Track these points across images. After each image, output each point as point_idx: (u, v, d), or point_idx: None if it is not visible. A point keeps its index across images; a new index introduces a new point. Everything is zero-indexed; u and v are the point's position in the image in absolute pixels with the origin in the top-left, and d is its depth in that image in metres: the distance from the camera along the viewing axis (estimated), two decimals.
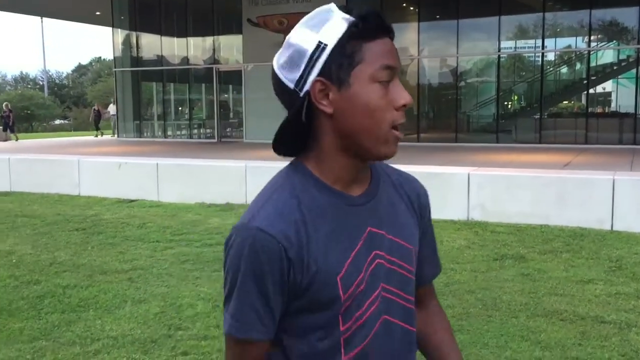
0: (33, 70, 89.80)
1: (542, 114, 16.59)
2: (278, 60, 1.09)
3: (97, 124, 25.69)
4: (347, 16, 1.05)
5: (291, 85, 1.06)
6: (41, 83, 61.52)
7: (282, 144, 1.11)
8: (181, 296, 4.93)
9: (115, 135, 23.36)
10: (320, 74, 1.04)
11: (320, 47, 1.04)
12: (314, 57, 1.04)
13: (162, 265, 5.94)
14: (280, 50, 1.10)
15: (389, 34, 1.07)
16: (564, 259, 6.00)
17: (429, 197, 1.28)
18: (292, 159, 1.14)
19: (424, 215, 1.26)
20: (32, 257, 6.31)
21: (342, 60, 1.04)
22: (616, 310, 4.51)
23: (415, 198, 1.24)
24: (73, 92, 60.86)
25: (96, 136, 24.37)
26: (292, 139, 1.10)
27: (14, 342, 4.04)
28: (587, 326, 4.22)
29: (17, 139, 22.00)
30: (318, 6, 1.11)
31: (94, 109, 26.48)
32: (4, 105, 23.73)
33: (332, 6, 1.09)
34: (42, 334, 4.19)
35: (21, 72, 72.62)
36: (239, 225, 1.06)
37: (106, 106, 27.81)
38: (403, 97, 1.06)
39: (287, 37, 1.11)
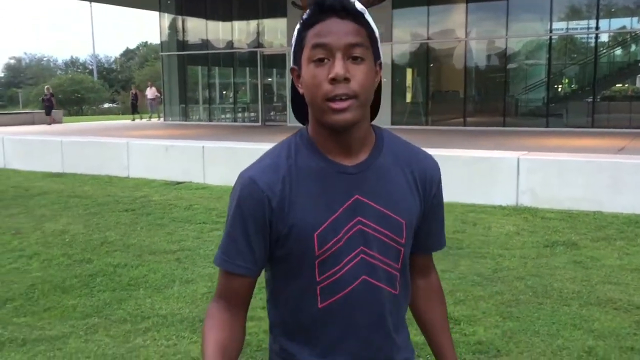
0: (83, 54, 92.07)
1: (595, 97, 16.02)
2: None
3: (134, 107, 25.63)
4: (309, 11, 1.18)
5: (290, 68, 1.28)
6: (90, 67, 63.00)
7: (296, 113, 1.35)
8: None
9: (155, 119, 23.73)
10: (294, 62, 1.24)
11: (293, 41, 1.23)
12: (292, 47, 1.24)
13: (209, 246, 6.01)
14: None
15: (336, 13, 1.16)
16: (618, 246, 5.81)
17: (439, 173, 1.34)
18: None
19: (430, 190, 1.32)
20: (84, 237, 6.48)
21: (297, 48, 1.22)
22: None
23: (422, 175, 1.30)
24: (121, 76, 62.11)
25: (133, 119, 24.48)
26: (297, 110, 1.33)
27: (68, 319, 4.16)
28: None
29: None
30: None
31: (132, 93, 26.38)
32: (45, 88, 23.82)
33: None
34: (95, 311, 4.30)
35: (71, 57, 74.48)
36: (240, 173, 1.25)
37: (144, 90, 28.08)
38: (332, 71, 1.15)
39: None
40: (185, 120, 21.99)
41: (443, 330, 1.44)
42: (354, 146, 1.24)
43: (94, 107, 44.79)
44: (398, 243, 1.27)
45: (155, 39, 66.71)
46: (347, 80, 1.15)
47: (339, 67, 1.14)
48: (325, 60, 1.16)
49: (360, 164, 1.24)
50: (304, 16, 1.19)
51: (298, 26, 1.22)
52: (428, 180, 1.31)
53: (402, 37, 17.73)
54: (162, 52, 22.89)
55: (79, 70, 66.06)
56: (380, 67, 1.26)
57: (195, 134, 14.86)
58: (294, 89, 1.27)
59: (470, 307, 4.25)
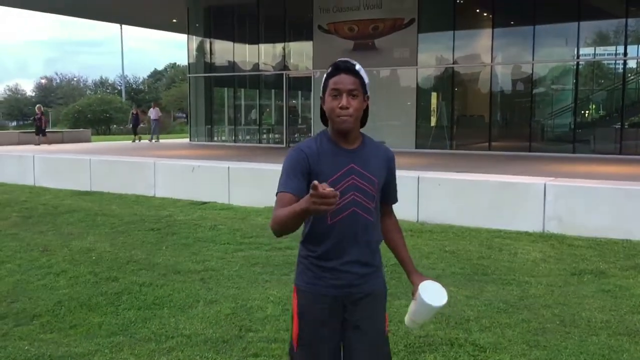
0: (112, 75, 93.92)
1: (623, 123, 15.82)
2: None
3: (135, 128, 24.52)
4: (330, 67, 2.27)
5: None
6: (119, 88, 64.20)
7: (322, 120, 2.34)
8: (251, 298, 4.99)
9: (153, 140, 23.55)
10: (322, 94, 2.29)
11: (323, 85, 2.30)
12: (322, 88, 2.30)
13: (233, 267, 6.04)
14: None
15: (344, 71, 2.24)
16: None
17: (394, 156, 2.43)
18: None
19: (390, 165, 2.39)
20: (110, 255, 6.56)
21: (323, 87, 2.28)
22: None
23: (385, 157, 2.38)
24: (148, 97, 63.13)
25: (133, 141, 23.58)
26: (322, 119, 2.34)
27: (94, 337, 4.20)
28: None
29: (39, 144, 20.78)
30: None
31: (132, 113, 25.18)
32: (36, 108, 22.86)
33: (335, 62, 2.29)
34: (120, 329, 4.34)
35: (101, 77, 75.96)
36: (295, 145, 2.30)
37: (138, 109, 26.73)
38: (341, 103, 2.21)
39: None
40: (211, 141, 22.22)
41: (403, 247, 2.50)
42: (350, 139, 2.29)
43: (122, 127, 45.50)
44: (372, 191, 2.29)
45: (183, 60, 67.84)
46: (347, 108, 2.21)
47: (344, 101, 2.21)
48: (337, 96, 2.22)
49: (353, 149, 2.30)
50: (328, 71, 2.26)
51: (325, 76, 2.27)
52: (389, 160, 2.39)
53: (427, 61, 17.77)
54: (189, 73, 23.26)
55: (108, 91, 67.36)
56: (368, 99, 2.30)
57: (221, 155, 15.00)
58: (321, 107, 2.32)
59: (496, 335, 4.19)
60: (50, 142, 21.02)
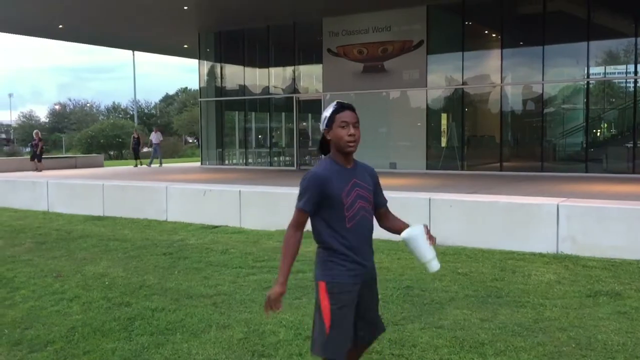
0: (124, 100, 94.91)
1: (635, 142, 15.74)
2: (322, 117, 2.96)
3: (136, 153, 23.94)
4: (335, 106, 2.94)
5: (322, 127, 2.96)
6: (131, 113, 64.86)
7: (321, 150, 3.01)
8: (264, 323, 4.97)
9: (155, 165, 23.28)
10: (326, 126, 2.94)
11: (325, 118, 2.94)
12: (324, 120, 2.94)
13: (245, 291, 6.03)
14: (325, 111, 2.94)
15: (349, 109, 2.93)
16: None
17: (376, 173, 3.12)
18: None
19: (375, 180, 3.08)
20: (123, 280, 6.58)
21: (329, 121, 2.92)
22: None
23: (370, 172, 3.08)
24: (160, 121, 63.70)
25: (135, 165, 23.26)
26: (323, 148, 3.01)
27: None
28: None
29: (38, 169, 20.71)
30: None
31: (134, 137, 24.46)
32: (34, 133, 22.43)
33: (335, 103, 2.96)
34: (133, 355, 4.33)
35: (113, 102, 76.82)
36: (309, 171, 2.90)
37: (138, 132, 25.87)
38: (349, 132, 2.89)
39: (328, 106, 2.98)
40: (222, 164, 22.34)
41: (405, 224, 3.10)
42: (349, 161, 2.97)
43: (144, 150, 45.93)
44: (370, 198, 2.99)
45: (194, 85, 68.49)
46: (354, 135, 2.90)
47: (352, 131, 2.90)
48: (345, 127, 2.89)
49: (352, 167, 2.98)
50: (334, 108, 2.93)
51: (330, 113, 2.92)
52: (373, 174, 3.08)
53: (436, 82, 17.84)
54: (200, 97, 23.50)
55: (120, 116, 68.07)
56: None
57: (232, 178, 15.07)
58: (323, 137, 2.97)
59: (511, 359, 4.15)
60: (41, 169, 20.52)
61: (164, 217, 11.17)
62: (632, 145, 15.63)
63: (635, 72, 15.54)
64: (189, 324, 5.00)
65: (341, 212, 2.84)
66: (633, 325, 4.82)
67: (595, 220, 7.45)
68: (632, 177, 14.20)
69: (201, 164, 23.12)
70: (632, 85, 15.99)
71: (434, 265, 2.98)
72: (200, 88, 23.58)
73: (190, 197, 11.11)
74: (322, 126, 2.93)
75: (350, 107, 2.92)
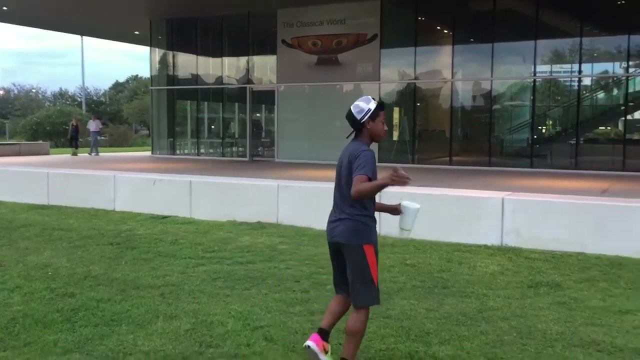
0: (72, 87, 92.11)
1: (578, 139, 16.31)
2: (354, 108, 3.70)
3: (74, 141, 23.23)
4: (376, 103, 3.71)
5: (358, 117, 3.67)
6: (79, 99, 63.04)
7: (355, 136, 3.75)
8: (212, 313, 4.94)
9: (92, 154, 22.68)
10: (369, 118, 3.66)
11: (369, 110, 3.68)
12: (368, 111, 3.67)
13: (194, 282, 5.98)
14: (355, 104, 3.70)
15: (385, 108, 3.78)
16: (601, 288, 5.85)
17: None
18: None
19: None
20: (67, 270, 6.42)
21: (374, 115, 3.68)
22: None
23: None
24: (110, 109, 62.16)
25: (73, 154, 22.58)
26: (356, 135, 3.75)
27: (48, 354, 4.10)
28: (625, 358, 4.09)
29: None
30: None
31: (72, 124, 23.62)
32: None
33: (371, 97, 3.75)
34: (76, 346, 4.24)
35: (60, 89, 74.25)
36: (366, 149, 3.60)
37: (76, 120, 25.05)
38: (385, 129, 3.76)
39: (357, 102, 3.72)
40: (173, 154, 22.01)
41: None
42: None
43: (81, 139, 44.74)
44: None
45: (145, 72, 67.15)
46: (386, 131, 3.81)
47: (386, 127, 3.78)
48: (384, 124, 3.75)
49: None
50: (376, 104, 3.69)
51: (374, 108, 3.66)
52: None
53: (390, 76, 18.03)
54: (152, 86, 23.05)
55: (68, 103, 66.06)
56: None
57: (183, 168, 14.87)
58: (359, 122, 3.68)
59: (455, 347, 4.25)
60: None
61: (111, 206, 10.93)
62: (575, 141, 16.20)
63: (580, 71, 16.08)
64: (135, 314, 4.92)
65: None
66: (571, 315, 5.01)
67: (539, 214, 7.70)
68: (575, 172, 14.72)
69: (152, 153, 22.71)
70: (576, 83, 16.54)
71: (407, 234, 4.01)
72: (151, 76, 23.14)
73: (140, 187, 10.91)
74: (362, 115, 3.64)
75: (383, 105, 3.78)
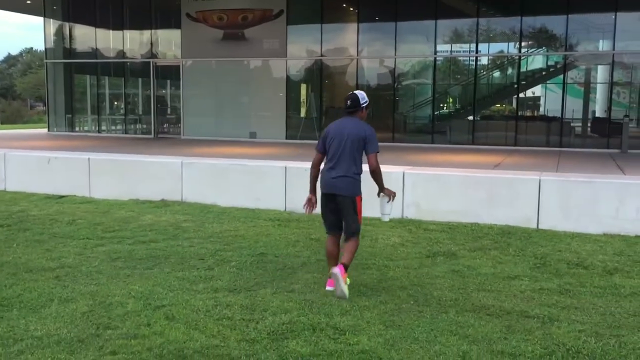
0: None
1: (475, 116, 17.08)
2: (359, 95, 5.09)
3: None
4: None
5: (362, 102, 5.06)
6: None
7: (349, 112, 5.05)
8: (111, 295, 4.80)
9: None
10: (366, 105, 5.12)
11: (367, 101, 5.13)
12: (366, 101, 5.11)
13: (92, 263, 5.77)
14: (360, 94, 5.12)
15: None
16: (492, 256, 6.21)
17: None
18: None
19: None
20: None
21: (368, 105, 5.15)
22: (540, 305, 4.70)
23: None
24: (2, 84, 58.16)
25: None
26: (352, 111, 5.06)
27: None
28: (512, 320, 4.37)
29: None
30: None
31: None
32: None
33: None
34: None
35: None
36: (370, 126, 5.00)
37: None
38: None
39: (360, 92, 5.18)
40: (72, 131, 20.97)
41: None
42: None
43: None
44: None
45: (40, 45, 63.12)
46: None
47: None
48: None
49: None
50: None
51: (367, 99, 5.14)
52: None
53: (296, 52, 18.00)
54: (47, 59, 21.74)
55: None
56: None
57: (82, 146, 14.21)
58: (359, 105, 5.07)
59: (356, 317, 4.38)
60: None
61: (1, 186, 10.28)
62: (472, 118, 16.96)
63: (477, 51, 16.78)
64: (27, 299, 4.69)
65: None
66: (465, 282, 5.30)
67: (436, 187, 8.02)
68: (472, 147, 15.44)
69: (48, 130, 21.51)
70: (473, 63, 17.26)
71: (387, 218, 5.32)
72: (46, 49, 21.78)
73: (33, 166, 10.32)
74: (364, 102, 5.06)
75: None
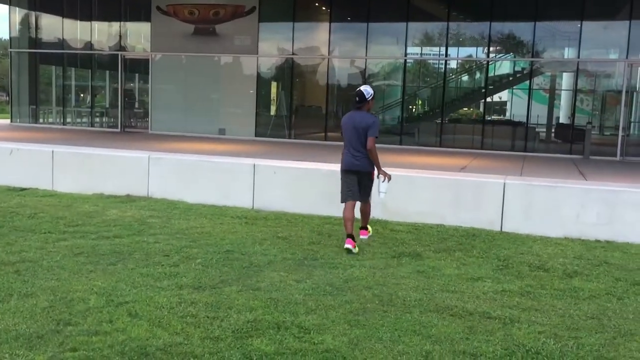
0: None
1: (443, 118, 17.29)
2: (364, 90, 6.41)
3: None
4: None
5: (367, 96, 6.40)
6: None
7: (358, 107, 6.42)
8: (73, 290, 4.72)
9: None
10: (372, 97, 6.45)
11: (372, 94, 6.48)
12: (372, 94, 6.45)
13: (54, 257, 5.66)
14: (365, 88, 6.43)
15: None
16: (456, 257, 6.30)
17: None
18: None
19: None
20: None
21: (373, 97, 6.51)
22: (501, 307, 4.79)
23: None
24: None
25: None
26: (360, 105, 6.43)
27: None
28: (474, 321, 4.44)
29: None
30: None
31: None
32: None
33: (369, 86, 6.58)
34: None
35: None
36: (374, 116, 6.55)
37: None
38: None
39: (365, 87, 6.50)
40: (36, 123, 20.52)
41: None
42: None
43: None
44: None
45: (4, 34, 61.49)
46: None
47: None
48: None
49: None
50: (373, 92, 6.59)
51: (373, 92, 6.50)
52: None
53: (268, 50, 17.94)
54: (11, 48, 21.22)
55: None
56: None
57: (46, 138, 13.92)
58: (364, 98, 6.40)
59: (321, 317, 4.39)
60: None
61: None
62: (440, 121, 17.15)
63: (447, 54, 16.98)
64: None
65: None
66: (429, 283, 5.36)
67: (404, 188, 8.08)
68: (439, 150, 15.62)
69: (11, 121, 21.00)
70: (443, 66, 17.46)
71: (383, 196, 6.45)
72: (10, 38, 21.27)
73: None
74: (369, 95, 6.34)
75: None
